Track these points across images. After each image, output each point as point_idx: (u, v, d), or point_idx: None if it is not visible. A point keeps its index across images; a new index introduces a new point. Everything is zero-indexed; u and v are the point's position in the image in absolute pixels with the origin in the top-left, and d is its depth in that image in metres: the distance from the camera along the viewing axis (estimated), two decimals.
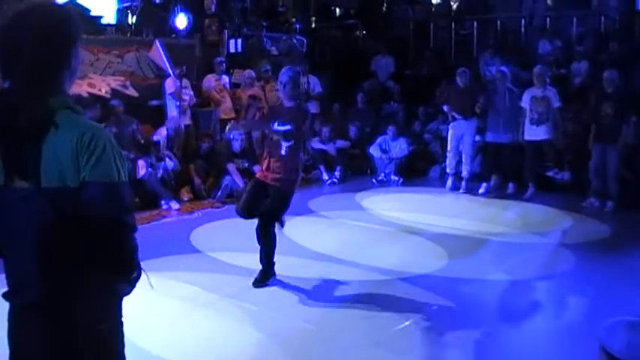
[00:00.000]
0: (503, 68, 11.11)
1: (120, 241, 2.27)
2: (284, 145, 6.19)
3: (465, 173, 11.07)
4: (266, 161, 6.38)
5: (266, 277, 6.38)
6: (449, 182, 11.16)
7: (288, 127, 6.17)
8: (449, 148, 11.16)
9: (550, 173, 10.62)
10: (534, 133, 10.33)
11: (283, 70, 6.42)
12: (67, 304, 2.28)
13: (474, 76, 13.70)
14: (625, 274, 6.81)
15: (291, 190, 6.32)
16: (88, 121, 2.31)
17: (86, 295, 2.29)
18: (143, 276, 2.45)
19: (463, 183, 11.07)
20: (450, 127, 11.16)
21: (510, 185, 10.82)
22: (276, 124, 6.27)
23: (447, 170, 11.23)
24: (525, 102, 10.40)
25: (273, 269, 6.43)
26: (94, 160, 2.20)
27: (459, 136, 10.98)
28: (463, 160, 11.06)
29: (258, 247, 6.30)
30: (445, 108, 11.28)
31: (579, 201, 9.94)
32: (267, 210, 6.24)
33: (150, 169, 9.74)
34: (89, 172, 2.19)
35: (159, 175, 9.84)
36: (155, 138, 10.36)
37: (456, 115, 10.91)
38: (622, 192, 9.66)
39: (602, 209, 9.61)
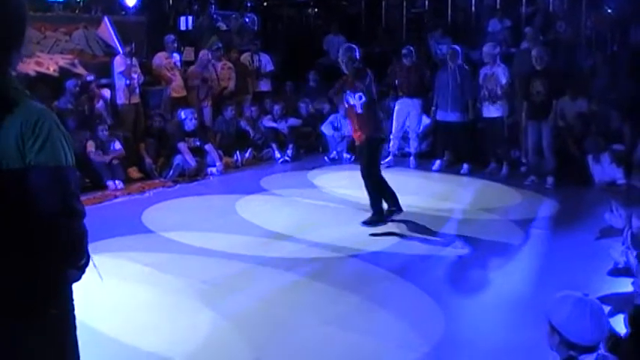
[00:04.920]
0: (455, 46, 11.12)
1: (68, 227, 2.20)
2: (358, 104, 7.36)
3: (412, 150, 11.17)
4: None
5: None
6: (388, 158, 10.98)
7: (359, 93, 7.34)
8: (394, 125, 11.14)
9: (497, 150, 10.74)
10: (489, 111, 10.30)
11: (341, 50, 7.72)
12: (13, 290, 2.21)
13: (424, 54, 13.78)
14: (572, 249, 6.95)
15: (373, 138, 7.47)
16: (34, 103, 2.23)
17: (33, 282, 2.23)
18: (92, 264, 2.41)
19: (412, 159, 11.15)
20: (396, 103, 11.24)
21: (464, 166, 10.65)
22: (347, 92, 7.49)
23: (390, 149, 11.11)
24: (482, 79, 10.32)
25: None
26: (40, 144, 2.13)
27: (405, 113, 11.06)
28: (410, 137, 11.15)
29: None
30: (397, 82, 11.33)
31: (524, 177, 10.02)
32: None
33: (98, 151, 9.58)
34: (35, 156, 2.13)
35: (106, 160, 9.61)
36: (98, 105, 10.15)
37: (402, 93, 11.05)
38: (567, 167, 9.77)
39: (543, 185, 9.63)
